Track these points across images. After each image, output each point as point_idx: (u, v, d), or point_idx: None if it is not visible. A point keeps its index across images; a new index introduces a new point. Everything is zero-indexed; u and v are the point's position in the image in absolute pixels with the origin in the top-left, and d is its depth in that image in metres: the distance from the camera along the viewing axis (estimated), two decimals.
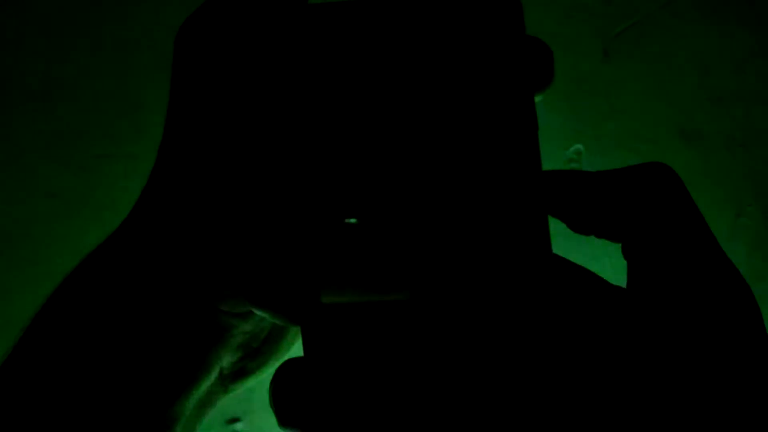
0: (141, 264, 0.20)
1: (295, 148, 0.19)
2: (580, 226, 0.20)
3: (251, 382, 0.23)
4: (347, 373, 0.18)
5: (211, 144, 0.20)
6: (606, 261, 0.54)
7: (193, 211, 0.20)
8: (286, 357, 0.23)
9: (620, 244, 0.20)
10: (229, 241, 0.20)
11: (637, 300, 0.18)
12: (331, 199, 0.18)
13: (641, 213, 0.19)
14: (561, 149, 0.56)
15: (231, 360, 0.22)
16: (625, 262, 0.20)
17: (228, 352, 0.22)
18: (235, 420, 0.55)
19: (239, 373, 0.23)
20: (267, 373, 0.23)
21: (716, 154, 0.57)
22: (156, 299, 0.20)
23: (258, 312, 0.20)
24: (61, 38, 0.53)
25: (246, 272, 0.20)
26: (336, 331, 0.18)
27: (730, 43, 0.57)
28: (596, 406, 0.17)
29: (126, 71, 0.54)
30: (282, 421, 0.18)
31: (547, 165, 0.19)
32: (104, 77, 0.54)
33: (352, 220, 0.18)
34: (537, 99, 0.20)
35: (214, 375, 0.22)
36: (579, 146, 0.56)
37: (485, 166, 0.18)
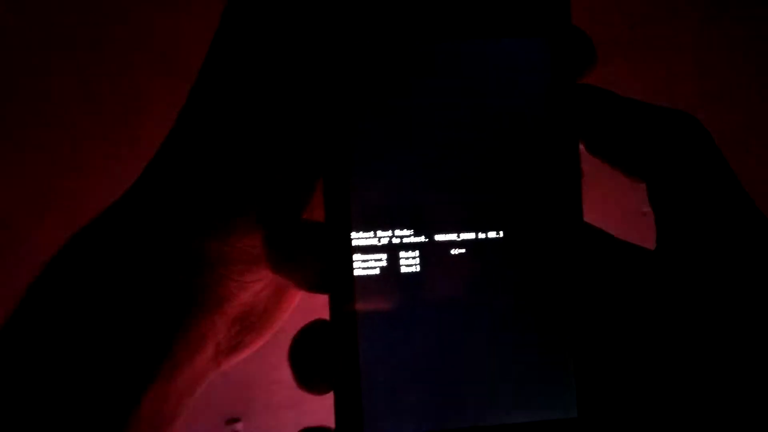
0: (147, 221, 0.20)
1: (330, 104, 0.18)
2: (599, 146, 0.19)
3: (243, 356, 0.23)
4: (374, 334, 0.18)
5: (245, 92, 0.19)
6: None
7: (214, 164, 0.19)
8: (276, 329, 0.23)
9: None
10: (254, 200, 0.19)
11: (671, 260, 0.18)
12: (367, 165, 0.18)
13: (672, 153, 0.19)
14: None
15: (228, 334, 0.22)
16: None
17: (224, 324, 0.21)
18: (235, 420, 0.55)
19: (235, 348, 0.22)
20: (257, 347, 0.23)
21: None
22: (157, 259, 0.20)
23: (283, 275, 0.19)
24: (63, 38, 0.53)
25: (271, 236, 0.19)
26: (362, 296, 0.18)
27: (729, 44, 0.57)
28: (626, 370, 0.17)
29: (127, 72, 0.54)
30: (301, 381, 0.18)
31: None
32: (105, 78, 0.54)
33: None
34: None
35: (210, 350, 0.21)
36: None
37: (528, 141, 0.19)
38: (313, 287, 0.18)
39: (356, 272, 0.18)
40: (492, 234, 0.18)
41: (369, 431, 0.18)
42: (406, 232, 0.18)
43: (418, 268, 0.18)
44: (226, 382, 0.55)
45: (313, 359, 0.18)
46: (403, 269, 0.18)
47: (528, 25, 0.18)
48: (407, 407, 0.18)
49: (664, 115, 0.19)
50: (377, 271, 0.18)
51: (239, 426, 0.55)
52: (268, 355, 0.56)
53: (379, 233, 0.18)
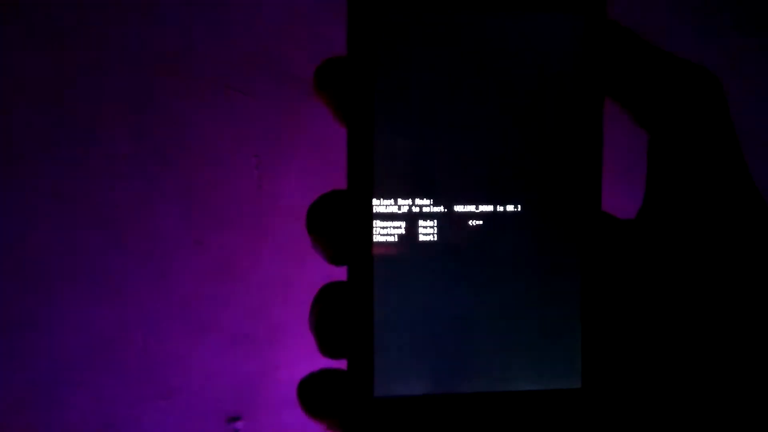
0: None
1: None
2: (615, 84, 0.19)
3: None
4: (388, 298, 0.19)
5: None
6: None
7: None
8: None
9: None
10: None
11: (653, 227, 0.18)
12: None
13: (681, 106, 0.18)
14: None
15: None
16: None
17: None
18: (235, 418, 0.55)
19: None
20: None
21: None
22: None
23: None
24: (65, 39, 0.53)
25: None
26: (380, 261, 0.19)
27: (728, 44, 0.57)
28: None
29: (128, 73, 0.54)
30: (324, 350, 0.19)
31: None
32: (106, 79, 0.54)
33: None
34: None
35: None
36: None
37: (552, 118, 0.19)
38: (335, 258, 0.19)
39: (375, 238, 0.19)
40: (510, 207, 0.19)
41: (379, 391, 0.18)
42: (425, 201, 0.19)
43: (435, 237, 0.19)
44: (227, 381, 0.55)
45: (331, 317, 0.18)
46: (421, 237, 0.19)
47: (562, 1, 0.19)
48: (415, 370, 0.19)
49: (686, 67, 0.19)
50: (395, 238, 0.19)
51: (240, 424, 0.55)
52: (269, 355, 0.56)
53: (400, 201, 0.19)
